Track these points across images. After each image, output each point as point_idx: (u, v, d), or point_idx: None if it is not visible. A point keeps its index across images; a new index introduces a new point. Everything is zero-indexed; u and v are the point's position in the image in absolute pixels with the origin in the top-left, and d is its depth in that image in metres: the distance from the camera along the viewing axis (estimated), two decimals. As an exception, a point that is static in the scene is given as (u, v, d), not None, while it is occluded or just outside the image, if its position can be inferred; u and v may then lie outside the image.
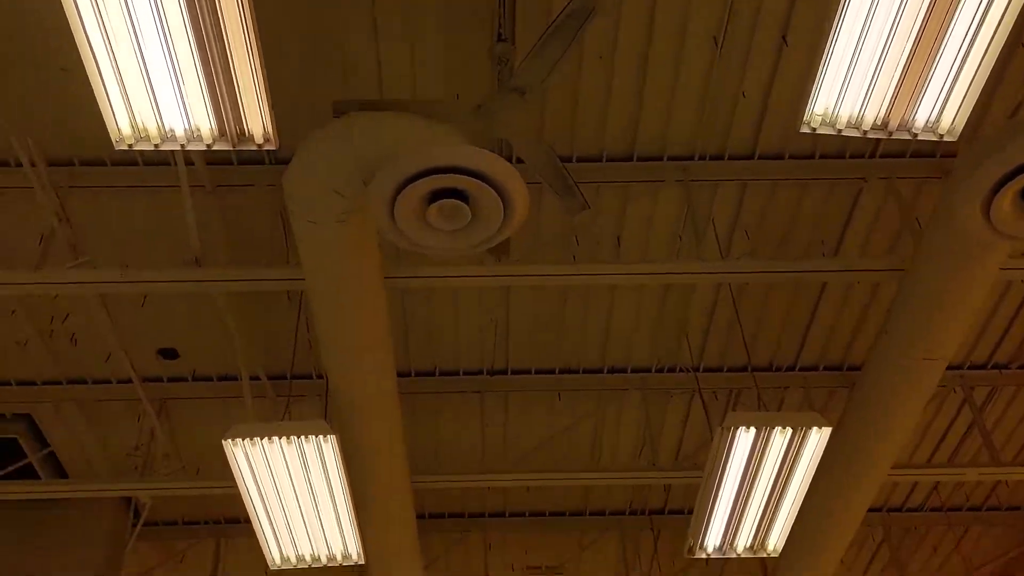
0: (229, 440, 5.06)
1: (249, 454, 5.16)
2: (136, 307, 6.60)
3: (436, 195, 3.90)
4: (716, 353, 7.53)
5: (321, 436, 5.10)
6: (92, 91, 3.70)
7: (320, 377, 7.34)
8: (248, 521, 8.84)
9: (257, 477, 5.35)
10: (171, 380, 7.28)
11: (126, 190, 5.69)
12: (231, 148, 3.54)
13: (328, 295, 4.69)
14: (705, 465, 5.91)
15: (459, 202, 3.89)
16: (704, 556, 6.32)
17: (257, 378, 7.19)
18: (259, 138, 3.59)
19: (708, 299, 7.01)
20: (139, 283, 5.20)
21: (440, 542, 9.33)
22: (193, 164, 5.55)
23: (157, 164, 5.65)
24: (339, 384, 5.35)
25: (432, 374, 7.55)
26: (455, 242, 4.08)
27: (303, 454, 5.20)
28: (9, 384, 7.12)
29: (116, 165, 5.61)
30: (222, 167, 5.71)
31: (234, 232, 6.00)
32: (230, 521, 9.02)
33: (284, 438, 5.06)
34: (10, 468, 7.20)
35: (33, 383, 7.14)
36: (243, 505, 8.45)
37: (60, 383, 7.16)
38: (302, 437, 5.06)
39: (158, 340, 6.93)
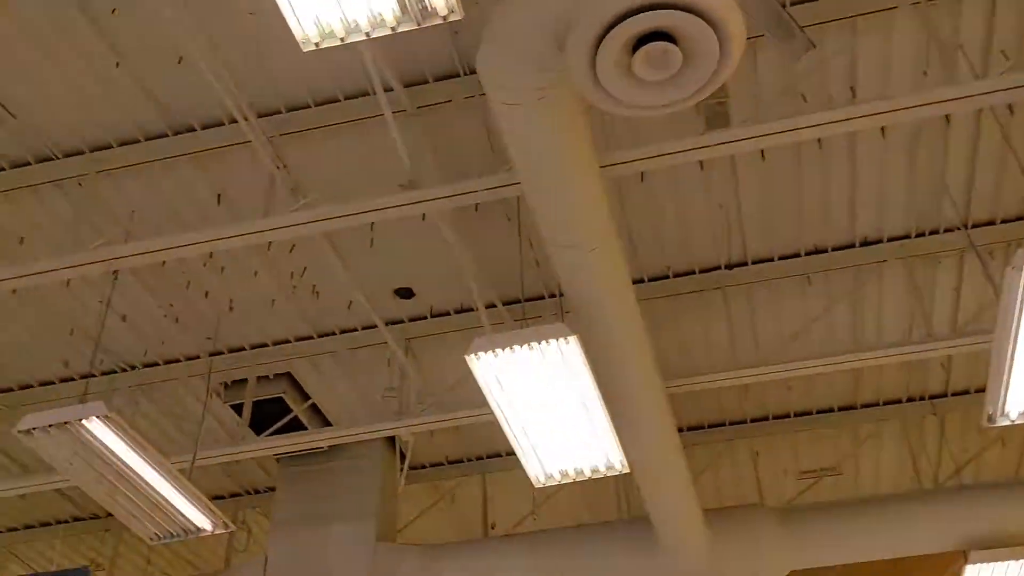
0: (472, 355, 4.95)
1: (494, 368, 5.03)
2: (365, 249, 6.69)
3: (640, 43, 3.52)
4: (985, 203, 6.61)
5: (562, 339, 4.88)
6: (284, 33, 3.66)
7: (552, 295, 7.17)
8: (510, 453, 8.99)
9: (506, 391, 5.22)
10: (412, 320, 7.37)
11: (333, 128, 5.70)
12: (416, 26, 3.33)
13: (541, 185, 4.42)
14: (996, 322, 5.14)
15: (668, 43, 3.48)
16: (1008, 423, 5.54)
17: (493, 305, 7.14)
18: (443, 10, 3.35)
19: (967, 136, 6.12)
20: (358, 214, 5.18)
21: (704, 454, 8.98)
22: (392, 90, 5.46)
23: (357, 96, 5.61)
24: (571, 286, 5.09)
25: (665, 277, 7.16)
26: (666, 94, 3.67)
27: (548, 361, 5.00)
28: (266, 346, 7.48)
29: (319, 105, 5.63)
30: (419, 87, 5.58)
31: (443, 151, 5.89)
32: (492, 456, 9.12)
33: (526, 346, 4.88)
34: (279, 424, 7.58)
35: (287, 341, 7.46)
36: (503, 438, 8.57)
37: (311, 338, 7.43)
38: (543, 342, 4.86)
39: (392, 281, 7.01)
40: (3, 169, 5.83)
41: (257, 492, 9.41)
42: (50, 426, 5.04)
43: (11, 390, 7.66)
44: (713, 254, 6.99)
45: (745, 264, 7.06)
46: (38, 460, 8.22)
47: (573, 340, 4.90)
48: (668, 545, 7.14)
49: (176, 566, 10.33)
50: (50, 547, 9.93)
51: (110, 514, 9.54)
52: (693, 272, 7.13)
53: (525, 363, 5.03)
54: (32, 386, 7.63)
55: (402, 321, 7.36)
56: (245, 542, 9.71)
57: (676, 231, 6.78)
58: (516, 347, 4.92)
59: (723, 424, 8.82)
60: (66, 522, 9.54)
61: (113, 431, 5.16)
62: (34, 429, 5.06)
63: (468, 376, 7.29)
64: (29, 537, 9.60)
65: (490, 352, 4.92)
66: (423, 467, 9.21)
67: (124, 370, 7.56)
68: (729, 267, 7.09)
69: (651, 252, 6.93)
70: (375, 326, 7.31)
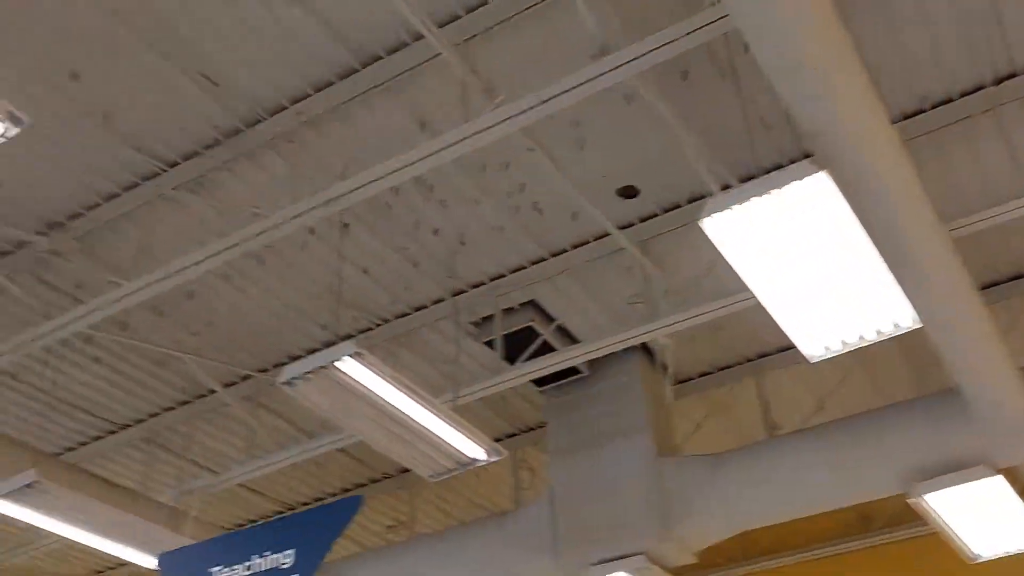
0: (708, 219, 4.44)
1: (735, 229, 4.49)
2: (578, 154, 6.32)
3: None
4: None
5: (809, 178, 4.24)
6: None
7: (793, 160, 6.45)
8: (783, 348, 8.32)
9: (756, 255, 4.65)
10: (642, 220, 6.92)
11: (514, 19, 5.34)
12: None
13: (753, 3, 3.82)
14: None
15: None
16: None
17: (728, 187, 6.54)
18: None
19: None
20: (559, 96, 4.80)
21: (1004, 311, 7.84)
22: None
23: (532, -22, 5.23)
24: (813, 127, 4.43)
25: (921, 111, 6.21)
26: None
27: (798, 208, 4.38)
28: (504, 275, 7.33)
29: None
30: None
31: (633, 12, 5.35)
32: (763, 355, 8.51)
33: (768, 194, 4.28)
34: (529, 352, 7.39)
35: (523, 267, 7.27)
36: (772, 332, 7.95)
37: (545, 259, 7.20)
38: (787, 185, 4.24)
39: (612, 181, 6.60)
40: (220, 142, 6.03)
41: (531, 429, 9.41)
42: (307, 373, 5.13)
43: (284, 363, 8.07)
44: (974, 72, 5.96)
45: (1014, 75, 5.97)
46: (321, 425, 8.63)
47: (823, 176, 4.25)
48: (981, 411, 6.24)
49: (471, 513, 10.60)
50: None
51: (403, 471, 9.93)
52: (953, 99, 6.13)
53: (771, 216, 4.44)
54: (300, 356, 7.99)
55: (632, 224, 6.94)
56: (529, 480, 9.76)
57: (925, 55, 5.83)
58: (756, 199, 4.34)
59: (1021, 276, 7.65)
60: (363, 485, 10.04)
61: (366, 367, 5.17)
62: (294, 379, 5.18)
63: (716, 265, 6.78)
64: (334, 503, 10.19)
65: (727, 210, 4.38)
66: (690, 379, 8.77)
67: (378, 324, 7.73)
68: (996, 82, 6.03)
69: (899, 86, 6.02)
70: (607, 234, 6.95)
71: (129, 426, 8.69)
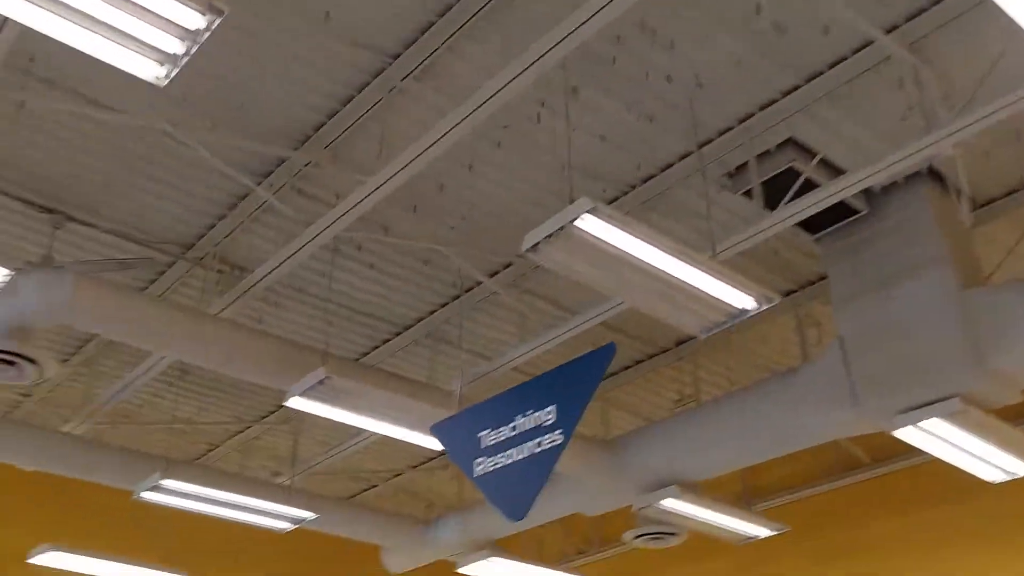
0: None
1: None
2: (818, -49, 5.53)
3: None
4: None
5: None
6: None
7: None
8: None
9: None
10: (909, 19, 5.96)
11: None
12: None
13: None
14: None
15: None
16: None
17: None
18: None
19: None
20: None
21: None
22: None
23: None
24: None
25: None
26: None
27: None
28: (752, 115, 6.70)
29: None
30: None
31: None
32: (1081, 161, 7.23)
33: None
34: (791, 194, 6.73)
35: (773, 101, 6.57)
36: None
37: (797, 87, 6.45)
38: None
39: (868, -22, 5.72)
40: (434, 22, 5.89)
41: (811, 283, 8.75)
42: (548, 236, 4.97)
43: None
44: None
45: None
46: (586, 303, 8.53)
47: None
48: None
49: (758, 379, 10.15)
50: (639, 387, 10.44)
51: (680, 342, 9.68)
52: None
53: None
54: (554, 235, 7.86)
55: (897, 25, 6.00)
56: (817, 336, 9.13)
57: None
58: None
59: None
60: (641, 361, 9.92)
61: (606, 222, 4.91)
62: (536, 244, 5.04)
63: (1006, 52, 5.74)
64: (616, 383, 10.17)
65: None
66: (994, 201, 7.67)
67: (625, 192, 7.42)
68: None
69: None
70: (868, 43, 6.08)
71: (410, 325, 9.11)
